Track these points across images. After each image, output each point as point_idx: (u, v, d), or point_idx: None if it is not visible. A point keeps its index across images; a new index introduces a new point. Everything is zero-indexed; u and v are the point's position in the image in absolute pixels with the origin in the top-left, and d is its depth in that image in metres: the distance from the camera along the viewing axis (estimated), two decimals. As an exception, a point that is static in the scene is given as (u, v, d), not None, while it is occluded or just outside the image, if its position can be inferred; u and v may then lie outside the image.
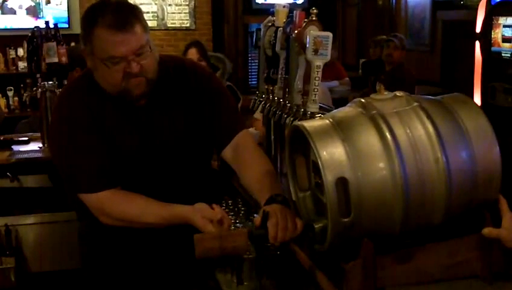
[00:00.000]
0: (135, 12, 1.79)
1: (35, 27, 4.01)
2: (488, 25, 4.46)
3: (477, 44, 4.59)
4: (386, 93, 1.57)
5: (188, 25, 7.60)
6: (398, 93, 1.57)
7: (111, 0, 1.81)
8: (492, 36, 4.43)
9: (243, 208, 2.23)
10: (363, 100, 1.56)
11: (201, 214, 1.70)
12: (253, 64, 7.74)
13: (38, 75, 3.87)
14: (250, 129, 3.16)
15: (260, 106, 2.51)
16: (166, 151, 1.90)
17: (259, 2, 7.70)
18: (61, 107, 1.93)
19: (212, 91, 1.98)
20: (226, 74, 4.20)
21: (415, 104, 1.52)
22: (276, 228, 1.57)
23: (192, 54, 3.99)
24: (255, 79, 7.37)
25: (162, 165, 1.90)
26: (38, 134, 3.95)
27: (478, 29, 4.58)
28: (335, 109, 1.73)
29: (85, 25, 1.80)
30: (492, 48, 4.46)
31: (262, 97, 2.53)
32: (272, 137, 2.68)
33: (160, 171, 1.90)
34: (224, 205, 2.34)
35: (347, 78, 6.28)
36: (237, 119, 2.01)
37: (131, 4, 1.84)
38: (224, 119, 1.97)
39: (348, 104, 1.63)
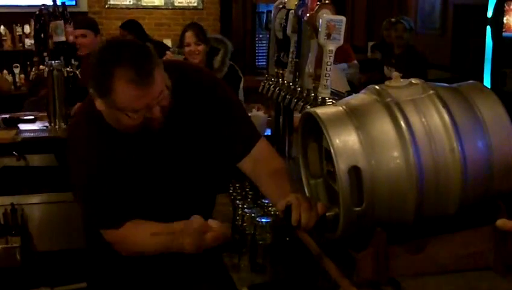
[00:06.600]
0: (151, 57, 1.67)
1: (43, 5, 3.99)
2: (500, 10, 4.42)
3: (489, 29, 4.54)
4: (401, 80, 1.53)
5: (195, 4, 7.54)
6: (413, 80, 1.54)
7: (123, 45, 1.70)
8: (504, 21, 4.39)
9: (250, 192, 2.20)
10: (377, 87, 1.53)
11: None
12: (261, 44, 7.68)
13: (45, 54, 3.85)
14: (259, 112, 3.14)
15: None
16: (184, 168, 1.90)
17: (269, -17, 7.63)
18: (73, 148, 1.86)
19: (223, 102, 1.92)
20: (229, 53, 4.11)
21: (431, 92, 1.49)
22: (301, 218, 1.54)
23: (189, 37, 3.90)
24: (263, 60, 7.31)
25: (179, 181, 1.90)
26: (45, 113, 3.93)
27: (490, 14, 4.53)
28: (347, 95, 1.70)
29: (100, 76, 1.65)
30: (504, 33, 4.42)
31: (271, 80, 2.50)
32: (281, 121, 2.66)
33: (176, 187, 1.90)
34: (231, 189, 2.32)
35: (355, 62, 6.21)
36: (252, 129, 1.96)
37: (144, 46, 1.72)
38: (239, 132, 1.92)
39: (362, 91, 1.59)
